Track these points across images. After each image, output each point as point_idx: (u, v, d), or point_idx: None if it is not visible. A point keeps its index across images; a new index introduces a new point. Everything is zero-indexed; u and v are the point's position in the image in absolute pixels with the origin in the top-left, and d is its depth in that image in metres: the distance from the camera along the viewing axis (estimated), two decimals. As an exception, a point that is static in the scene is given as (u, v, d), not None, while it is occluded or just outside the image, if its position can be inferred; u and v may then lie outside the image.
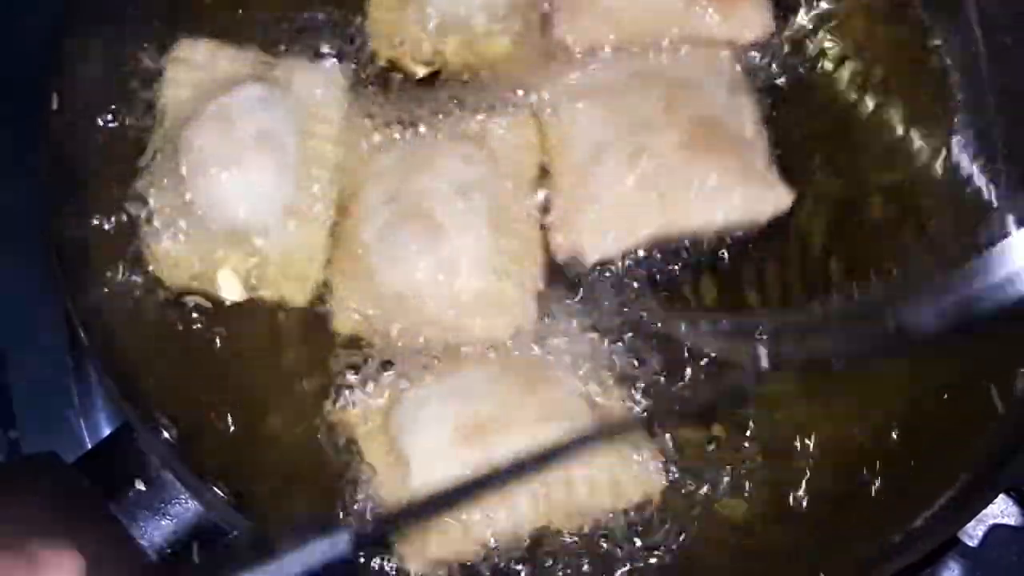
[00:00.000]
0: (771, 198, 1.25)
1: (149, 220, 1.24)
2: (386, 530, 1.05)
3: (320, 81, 1.30)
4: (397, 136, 1.29)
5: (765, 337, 1.07)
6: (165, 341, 1.22)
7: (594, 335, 1.22)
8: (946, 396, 1.23)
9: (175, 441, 1.14)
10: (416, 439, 1.14)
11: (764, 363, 1.04)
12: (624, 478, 1.15)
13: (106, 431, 1.36)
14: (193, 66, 1.29)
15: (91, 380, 1.39)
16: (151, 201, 1.24)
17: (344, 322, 1.22)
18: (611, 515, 1.15)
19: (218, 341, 1.23)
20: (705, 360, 1.19)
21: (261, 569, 0.90)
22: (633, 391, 1.20)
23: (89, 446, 1.31)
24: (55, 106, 1.20)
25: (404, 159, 1.26)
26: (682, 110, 1.26)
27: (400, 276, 1.20)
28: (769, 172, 1.26)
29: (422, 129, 1.29)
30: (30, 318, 1.40)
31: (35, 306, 1.40)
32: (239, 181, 1.22)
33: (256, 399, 1.22)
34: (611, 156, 1.25)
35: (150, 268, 1.22)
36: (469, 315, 1.20)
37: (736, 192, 1.23)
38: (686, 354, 1.20)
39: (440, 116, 1.30)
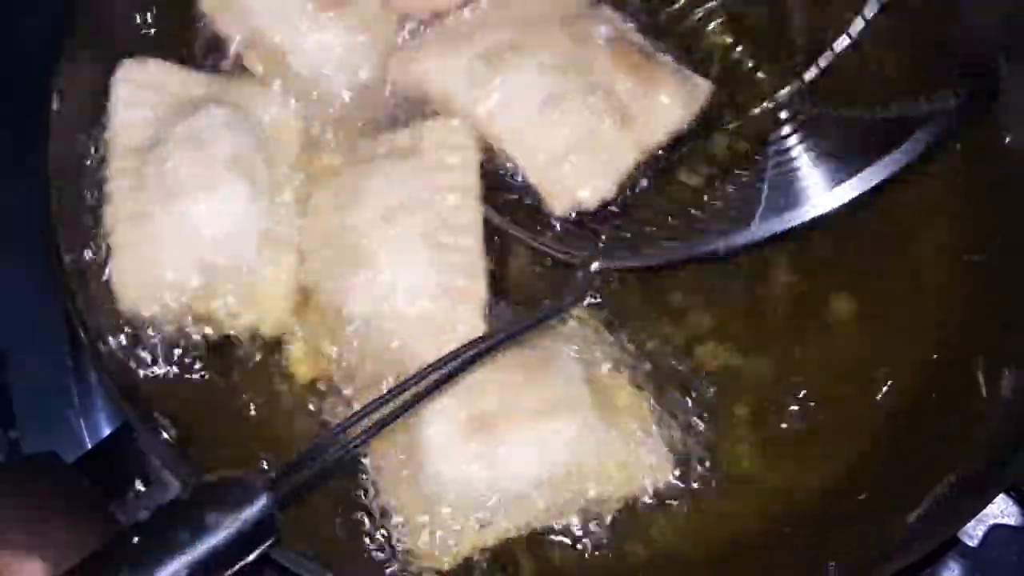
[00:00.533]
0: (699, 89, 1.30)
1: (115, 253, 1.19)
2: (304, 477, 1.02)
3: (273, 105, 1.27)
4: (328, 162, 1.27)
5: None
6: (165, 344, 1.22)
7: (581, 317, 1.23)
8: (944, 396, 1.24)
9: (175, 441, 1.14)
10: (427, 436, 1.14)
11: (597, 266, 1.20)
12: (634, 468, 1.16)
13: (106, 431, 1.35)
14: (144, 87, 1.25)
15: (91, 380, 1.38)
16: (114, 232, 1.19)
17: (302, 367, 1.21)
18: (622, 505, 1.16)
19: (215, 355, 1.22)
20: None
21: (193, 548, 0.91)
22: (627, 369, 1.22)
23: (89, 446, 1.32)
24: (55, 106, 1.20)
25: (335, 194, 1.23)
26: (591, 39, 1.27)
27: (345, 313, 1.19)
28: (681, 68, 1.31)
29: (356, 153, 1.27)
30: (30, 318, 1.40)
31: (35, 306, 1.39)
32: (216, 207, 1.19)
33: (254, 402, 1.22)
34: (560, 104, 1.24)
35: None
36: (418, 340, 1.17)
37: (675, 93, 1.27)
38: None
39: (370, 138, 1.28)
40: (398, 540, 1.14)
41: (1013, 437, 1.15)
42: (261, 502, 0.94)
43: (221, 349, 1.21)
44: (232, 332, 1.20)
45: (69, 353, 1.39)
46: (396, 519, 1.14)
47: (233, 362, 1.22)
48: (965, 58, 1.27)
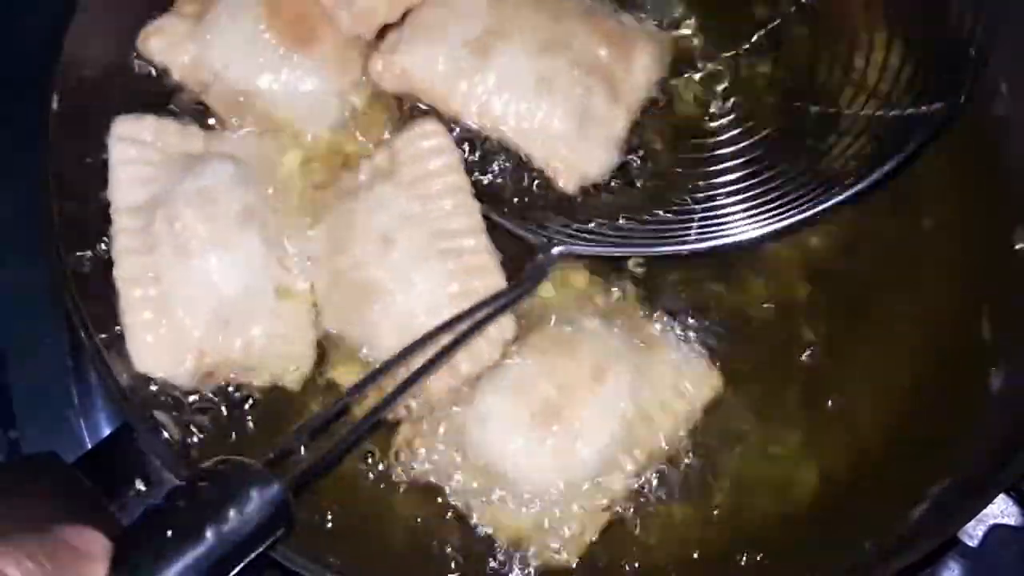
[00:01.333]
0: (665, 39, 1.34)
1: (126, 315, 1.17)
2: (313, 457, 1.04)
3: (272, 153, 1.25)
4: (327, 202, 1.25)
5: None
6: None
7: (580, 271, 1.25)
8: (943, 396, 1.24)
9: (175, 441, 1.14)
10: (505, 452, 1.14)
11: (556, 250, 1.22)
12: (687, 386, 1.19)
13: (106, 431, 1.36)
14: (141, 143, 1.23)
15: (91, 380, 1.38)
16: (124, 294, 1.18)
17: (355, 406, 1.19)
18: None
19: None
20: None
21: (208, 538, 0.92)
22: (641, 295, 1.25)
23: (89, 446, 1.32)
24: (55, 106, 1.20)
25: (328, 235, 1.22)
26: (564, 13, 1.28)
27: (377, 348, 1.18)
28: (646, 27, 1.34)
29: (341, 187, 1.25)
30: (30, 318, 1.40)
31: (35, 306, 1.40)
32: (231, 263, 1.17)
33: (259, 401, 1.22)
34: (552, 84, 1.25)
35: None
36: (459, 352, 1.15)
37: (646, 50, 1.30)
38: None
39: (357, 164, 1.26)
40: (519, 564, 1.15)
41: (1013, 437, 1.15)
42: (273, 490, 0.95)
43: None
44: (252, 392, 1.20)
45: (69, 353, 1.39)
46: (518, 546, 1.15)
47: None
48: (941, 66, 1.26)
